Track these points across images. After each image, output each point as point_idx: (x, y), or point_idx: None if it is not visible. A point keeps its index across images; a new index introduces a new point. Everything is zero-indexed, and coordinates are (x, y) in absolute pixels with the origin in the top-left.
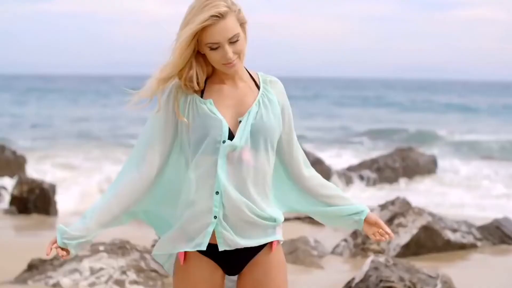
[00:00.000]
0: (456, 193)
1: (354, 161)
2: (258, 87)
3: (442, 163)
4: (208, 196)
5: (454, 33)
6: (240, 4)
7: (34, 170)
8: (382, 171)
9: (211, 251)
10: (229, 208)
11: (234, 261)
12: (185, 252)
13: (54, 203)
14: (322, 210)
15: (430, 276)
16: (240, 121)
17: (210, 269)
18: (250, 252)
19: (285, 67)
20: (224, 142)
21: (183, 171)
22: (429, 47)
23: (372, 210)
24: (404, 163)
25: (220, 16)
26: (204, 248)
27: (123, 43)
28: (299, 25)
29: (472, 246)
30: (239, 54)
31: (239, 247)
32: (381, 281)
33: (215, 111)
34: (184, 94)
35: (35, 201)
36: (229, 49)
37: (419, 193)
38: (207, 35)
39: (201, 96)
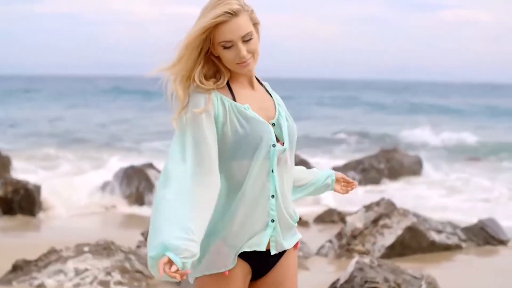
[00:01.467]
0: (441, 194)
1: (325, 162)
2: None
3: (426, 164)
4: (264, 201)
5: (442, 35)
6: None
7: (15, 171)
8: (367, 172)
9: (251, 255)
10: (280, 211)
11: (268, 264)
12: None
13: (39, 204)
14: (304, 189)
15: (415, 277)
16: (273, 124)
17: (246, 274)
18: (280, 254)
19: (273, 68)
20: (274, 146)
21: (223, 179)
22: (418, 48)
23: (357, 211)
24: (389, 164)
25: (233, 14)
26: (263, 248)
27: (112, 44)
28: (288, 26)
29: (457, 247)
30: (253, 53)
31: (283, 249)
32: (366, 282)
33: (257, 116)
34: (219, 98)
35: (20, 202)
36: (242, 48)
37: (404, 194)
38: (220, 33)
39: (234, 100)
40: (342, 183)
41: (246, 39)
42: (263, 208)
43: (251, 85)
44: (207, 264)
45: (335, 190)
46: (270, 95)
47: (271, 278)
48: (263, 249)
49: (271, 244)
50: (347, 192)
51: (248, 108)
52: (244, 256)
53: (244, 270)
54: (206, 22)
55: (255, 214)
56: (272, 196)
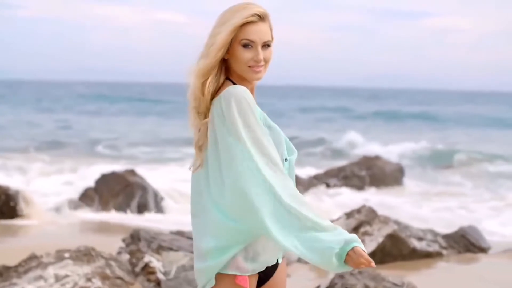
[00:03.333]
0: (423, 202)
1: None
2: None
3: (408, 171)
4: None
5: (424, 43)
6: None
7: None
8: (348, 179)
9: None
10: None
11: (272, 270)
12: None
13: (20, 209)
14: None
15: (396, 284)
16: None
17: (255, 282)
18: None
19: None
20: (286, 160)
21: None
22: (400, 56)
23: (338, 218)
24: (371, 171)
25: (261, 17)
26: (277, 262)
27: (94, 50)
28: None
29: (438, 255)
30: (266, 62)
31: (285, 253)
32: None
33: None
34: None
35: (0, 207)
36: (261, 52)
37: (385, 201)
38: (245, 32)
39: None
40: None
41: (265, 46)
42: None
43: (253, 93)
44: (235, 264)
45: None
46: None
47: (270, 282)
48: (274, 262)
49: (279, 253)
50: None
51: (267, 116)
52: None
53: (256, 280)
54: (237, 21)
55: None
56: None
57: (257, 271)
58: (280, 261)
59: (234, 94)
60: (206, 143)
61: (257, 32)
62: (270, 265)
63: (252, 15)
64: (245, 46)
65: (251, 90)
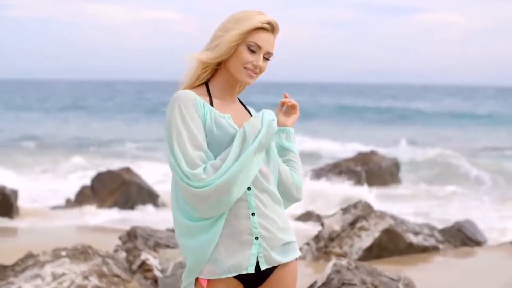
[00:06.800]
0: (417, 196)
1: None
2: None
3: (404, 167)
4: (245, 219)
5: (415, 38)
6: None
7: None
8: (344, 174)
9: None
10: (265, 227)
11: (258, 277)
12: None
13: (16, 208)
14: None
15: (392, 279)
16: None
17: (234, 286)
18: (274, 267)
19: None
20: None
21: None
22: (390, 51)
23: (334, 213)
24: (366, 166)
25: (274, 28)
26: (252, 270)
27: (84, 49)
28: None
29: (434, 249)
30: (261, 71)
31: (276, 264)
32: (343, 284)
33: (236, 127)
34: (203, 102)
35: None
36: (261, 59)
37: (382, 196)
38: (255, 36)
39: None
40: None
41: (266, 57)
42: (244, 226)
43: (232, 96)
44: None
45: (285, 125)
46: (247, 109)
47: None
48: (248, 271)
49: (259, 259)
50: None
51: (229, 118)
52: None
53: (231, 284)
54: (253, 23)
55: (236, 233)
56: (253, 214)
57: (222, 276)
58: (263, 267)
59: (175, 96)
60: None
61: (266, 41)
62: (243, 273)
63: (268, 23)
64: (250, 48)
65: (232, 93)
